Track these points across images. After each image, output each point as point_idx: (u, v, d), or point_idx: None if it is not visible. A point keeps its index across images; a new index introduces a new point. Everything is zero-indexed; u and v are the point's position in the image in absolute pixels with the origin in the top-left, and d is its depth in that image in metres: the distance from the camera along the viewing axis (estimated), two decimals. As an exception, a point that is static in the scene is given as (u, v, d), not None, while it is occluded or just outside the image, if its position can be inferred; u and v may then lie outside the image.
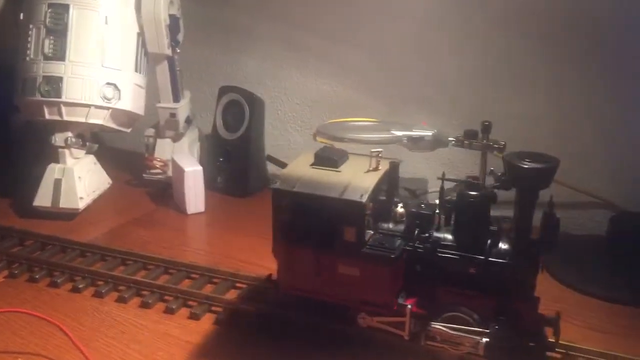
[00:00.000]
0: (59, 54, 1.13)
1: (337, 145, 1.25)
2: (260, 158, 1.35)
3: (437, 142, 1.03)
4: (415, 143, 1.02)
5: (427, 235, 0.75)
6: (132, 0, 1.20)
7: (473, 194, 0.74)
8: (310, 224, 0.75)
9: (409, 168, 1.27)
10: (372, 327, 0.78)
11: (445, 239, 0.75)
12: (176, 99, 1.32)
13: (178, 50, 1.30)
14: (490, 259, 0.73)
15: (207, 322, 0.86)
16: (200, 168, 1.21)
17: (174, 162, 1.26)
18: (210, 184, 1.32)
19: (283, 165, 1.39)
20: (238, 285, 0.94)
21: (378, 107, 1.30)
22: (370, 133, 1.05)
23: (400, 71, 1.27)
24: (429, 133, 1.02)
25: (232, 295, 0.91)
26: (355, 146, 1.37)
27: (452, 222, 0.77)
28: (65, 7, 1.13)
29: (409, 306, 0.74)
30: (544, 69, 1.15)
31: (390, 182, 0.81)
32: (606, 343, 0.81)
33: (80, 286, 0.93)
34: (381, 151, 0.80)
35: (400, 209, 0.79)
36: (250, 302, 0.88)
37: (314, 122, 1.35)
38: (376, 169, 0.79)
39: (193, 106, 1.41)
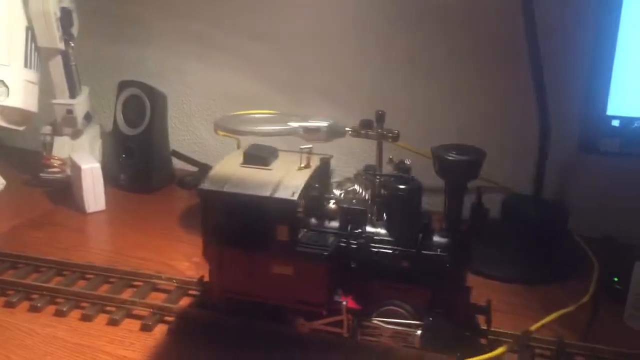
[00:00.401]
0: (-60, 50, 1.07)
1: (243, 139, 1.25)
2: (164, 153, 1.33)
3: (333, 133, 1.04)
4: (311, 134, 1.03)
5: (360, 230, 0.75)
6: (17, -7, 1.15)
7: (403, 188, 0.73)
8: (241, 224, 0.73)
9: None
10: (313, 329, 0.76)
11: (378, 234, 0.74)
12: (72, 94, 1.28)
13: (72, 45, 1.25)
14: (422, 251, 0.73)
15: (100, 324, 0.84)
16: (97, 165, 1.18)
17: (71, 160, 1.21)
18: (113, 181, 1.29)
19: (189, 160, 1.37)
20: (135, 283, 0.92)
21: (280, 99, 1.31)
22: (267, 125, 1.06)
23: (301, 63, 1.28)
24: (324, 124, 1.03)
25: (128, 294, 0.89)
26: (257, 139, 1.37)
27: (384, 216, 0.76)
28: (-56, 0, 1.08)
29: (344, 303, 0.74)
30: (442, 61, 1.18)
31: (321, 179, 0.80)
32: (499, 322, 0.83)
33: (-36, 293, 0.89)
34: (311, 147, 0.77)
35: (332, 205, 0.78)
36: (146, 302, 0.87)
37: (219, 116, 1.34)
38: (307, 165, 0.76)
39: (93, 102, 1.36)
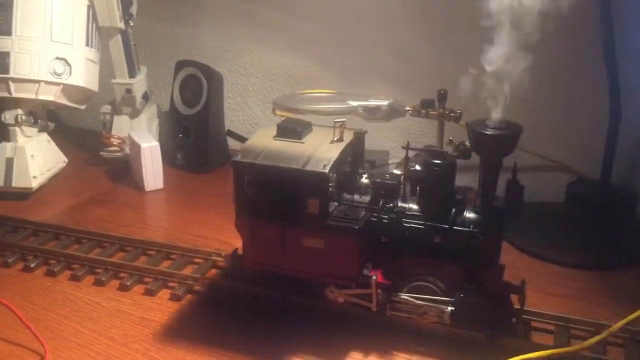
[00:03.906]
0: (5, 29, 1.09)
1: (302, 118, 1.24)
2: (220, 133, 1.33)
3: (393, 112, 1.02)
4: (371, 113, 1.01)
5: (391, 205, 0.74)
6: (80, -28, 1.16)
7: (437, 163, 0.73)
8: (273, 196, 0.73)
9: (368, 139, 1.26)
10: (341, 301, 0.76)
11: (410, 209, 0.74)
12: (132, 74, 1.29)
13: (131, 24, 1.26)
14: (454, 227, 0.72)
15: (162, 298, 0.85)
16: (156, 144, 1.19)
17: (130, 138, 1.23)
18: (170, 161, 1.30)
19: (244, 140, 1.37)
20: (196, 260, 0.93)
21: (338, 79, 1.29)
22: (327, 104, 1.05)
23: (359, 42, 1.26)
24: (384, 103, 1.01)
25: (189, 270, 0.90)
26: (317, 118, 1.35)
27: (417, 191, 0.76)
28: (10, -20, 1.10)
29: (374, 277, 0.73)
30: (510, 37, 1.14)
31: (355, 153, 0.79)
32: (563, 307, 0.81)
33: (32, 265, 0.91)
34: (344, 121, 0.77)
35: (365, 179, 0.78)
36: (207, 278, 0.87)
37: (274, 96, 1.33)
38: (340, 139, 0.76)
39: (150, 82, 1.38)
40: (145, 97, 1.33)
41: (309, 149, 0.74)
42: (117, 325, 0.79)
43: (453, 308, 0.73)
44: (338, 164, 0.73)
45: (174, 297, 0.84)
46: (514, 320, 0.75)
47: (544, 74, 1.12)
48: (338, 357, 0.74)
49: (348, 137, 0.77)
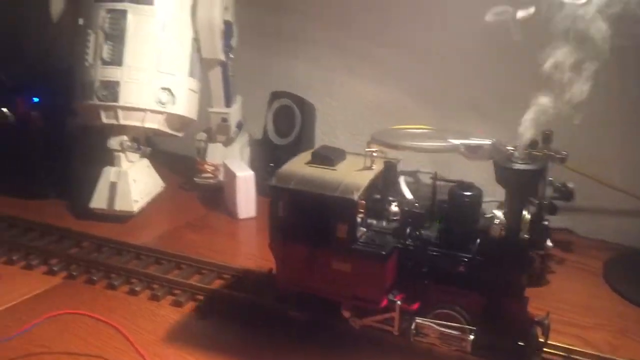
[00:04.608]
0: (116, 59, 1.15)
1: (401, 154, 1.25)
2: (310, 164, 1.35)
3: (495, 151, 1.01)
4: (473, 152, 1.01)
5: (418, 233, 0.77)
6: (188, 6, 1.21)
7: (462, 194, 0.75)
8: (305, 220, 0.76)
9: (460, 176, 1.25)
10: (364, 325, 0.78)
11: (436, 237, 0.76)
12: (228, 103, 1.33)
13: (231, 56, 1.30)
14: (477, 257, 0.74)
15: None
16: (251, 173, 1.22)
17: (225, 166, 1.26)
18: (261, 189, 1.32)
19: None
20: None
21: (430, 114, 1.28)
22: (427, 141, 1.05)
23: (453, 78, 1.25)
24: (487, 142, 1.00)
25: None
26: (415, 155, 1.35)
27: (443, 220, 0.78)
28: (123, 13, 1.15)
29: (399, 302, 0.75)
30: (608, 73, 1.11)
31: (385, 181, 0.82)
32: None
33: (137, 289, 0.94)
34: (376, 150, 0.80)
35: (394, 207, 0.80)
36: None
37: (364, 128, 1.34)
38: (370, 167, 0.79)
39: (244, 111, 1.41)
40: (239, 126, 1.37)
41: (341, 175, 0.77)
42: (220, 356, 0.80)
43: (474, 337, 0.73)
44: (368, 191, 0.76)
45: (274, 331, 0.85)
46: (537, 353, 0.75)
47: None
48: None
49: (378, 165, 0.80)
